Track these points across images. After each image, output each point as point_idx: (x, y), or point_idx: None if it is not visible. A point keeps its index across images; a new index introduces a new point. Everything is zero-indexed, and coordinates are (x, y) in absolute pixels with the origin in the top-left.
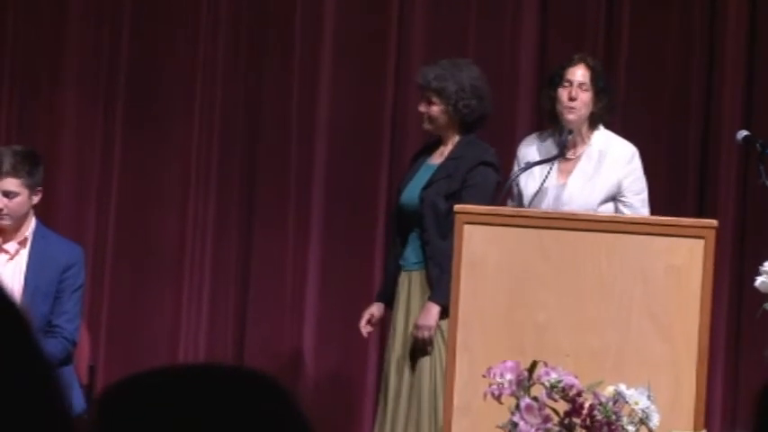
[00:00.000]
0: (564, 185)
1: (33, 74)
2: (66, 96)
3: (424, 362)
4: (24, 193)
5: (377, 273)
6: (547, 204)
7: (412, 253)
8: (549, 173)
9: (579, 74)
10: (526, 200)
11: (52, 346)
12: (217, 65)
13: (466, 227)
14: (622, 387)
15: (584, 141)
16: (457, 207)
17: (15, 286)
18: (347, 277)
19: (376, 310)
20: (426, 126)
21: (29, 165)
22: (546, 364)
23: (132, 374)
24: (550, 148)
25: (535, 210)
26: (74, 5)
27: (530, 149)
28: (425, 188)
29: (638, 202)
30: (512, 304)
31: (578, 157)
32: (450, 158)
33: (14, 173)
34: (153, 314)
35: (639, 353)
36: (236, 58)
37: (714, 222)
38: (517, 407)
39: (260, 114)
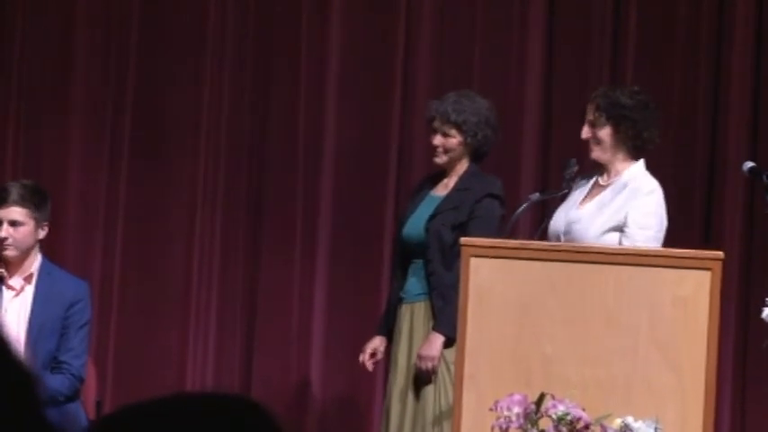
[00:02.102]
0: (579, 209)
1: (39, 105)
2: (73, 128)
3: (428, 392)
4: (30, 224)
5: (383, 302)
6: (558, 225)
7: (416, 284)
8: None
9: (589, 111)
10: (552, 221)
11: (59, 383)
12: (223, 95)
13: (472, 259)
14: (630, 419)
15: (617, 172)
16: (463, 240)
17: (21, 323)
18: (354, 306)
19: (379, 343)
20: (440, 159)
21: (36, 198)
22: (553, 397)
23: (124, 406)
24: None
25: (541, 242)
26: (80, 36)
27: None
28: (431, 219)
29: (639, 236)
30: (519, 336)
31: (606, 186)
32: (456, 189)
33: (21, 202)
34: (160, 347)
35: (647, 384)
36: (242, 88)
37: (720, 254)
38: None
39: (266, 144)
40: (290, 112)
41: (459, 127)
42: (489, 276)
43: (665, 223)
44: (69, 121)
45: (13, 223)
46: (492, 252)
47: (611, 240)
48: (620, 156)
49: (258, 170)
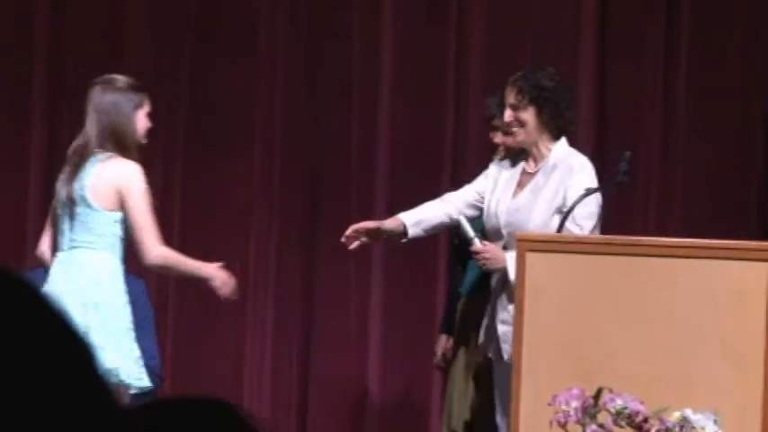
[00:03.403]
0: (516, 199)
1: None
2: None
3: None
4: None
5: (440, 301)
6: (494, 218)
7: (474, 280)
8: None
9: (510, 95)
10: (486, 216)
11: None
12: (276, 95)
13: (528, 254)
14: (689, 412)
15: (542, 156)
16: (519, 235)
17: None
18: (411, 305)
19: (446, 341)
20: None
21: None
22: (611, 391)
23: None
24: (507, 168)
25: (598, 236)
26: (131, 35)
27: (494, 169)
28: None
29: (586, 223)
30: (576, 331)
31: (534, 173)
32: None
33: None
34: (217, 347)
35: (705, 378)
36: (296, 88)
37: None
38: None
39: (320, 146)
40: (343, 111)
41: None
42: (545, 271)
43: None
44: None
45: None
46: (548, 246)
47: (556, 224)
48: (544, 137)
49: (313, 170)
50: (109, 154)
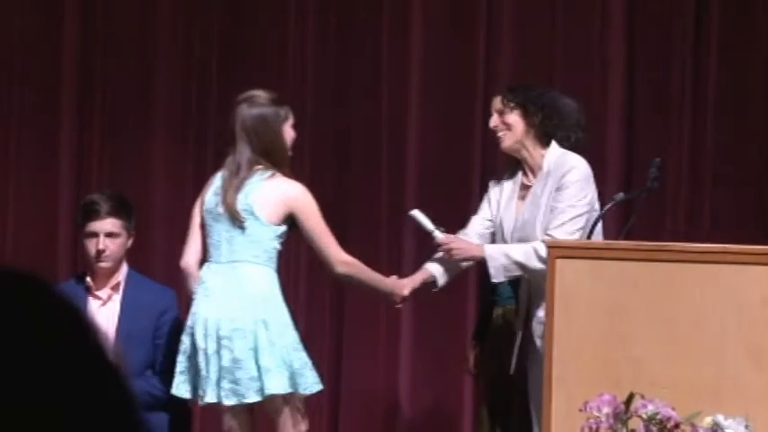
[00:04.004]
0: (519, 215)
1: (124, 121)
2: (157, 143)
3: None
4: (123, 235)
5: (470, 311)
6: (506, 238)
7: (506, 287)
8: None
9: (496, 102)
10: (499, 232)
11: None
12: (305, 107)
13: (558, 261)
14: (720, 418)
15: (537, 164)
16: (548, 241)
17: (108, 332)
18: (441, 318)
19: (478, 350)
20: None
21: (126, 208)
22: (643, 397)
23: None
24: (506, 183)
25: (627, 242)
26: (163, 50)
27: (493, 190)
28: None
29: (565, 209)
30: (606, 337)
31: (533, 184)
32: None
33: (115, 214)
34: None
35: (736, 384)
36: (324, 96)
37: None
38: None
39: (349, 153)
40: (372, 121)
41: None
42: (575, 277)
43: (588, 192)
44: (153, 135)
45: (109, 235)
46: (577, 253)
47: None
48: (534, 142)
49: (341, 179)
50: (270, 172)
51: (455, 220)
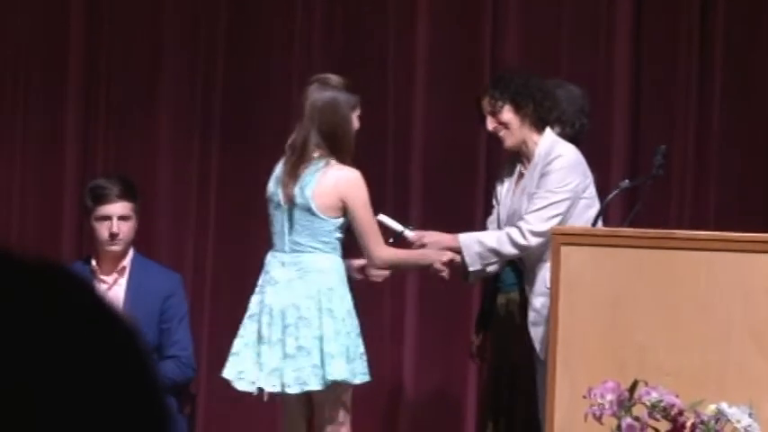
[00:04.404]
0: (511, 205)
1: (128, 104)
2: (162, 125)
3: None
4: (134, 217)
5: (475, 297)
6: (504, 225)
7: (510, 274)
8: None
9: (485, 105)
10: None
11: (170, 369)
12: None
13: (563, 248)
14: (724, 405)
15: (531, 153)
16: (554, 228)
17: None
18: (446, 299)
19: (483, 337)
20: None
21: (133, 190)
22: (646, 384)
23: None
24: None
25: (632, 229)
26: (168, 33)
27: (498, 186)
28: None
29: (544, 195)
30: (611, 324)
31: (526, 171)
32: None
33: (126, 196)
34: None
35: (740, 371)
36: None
37: None
38: (618, 427)
39: (355, 144)
40: (378, 114)
41: (558, 118)
42: (580, 264)
43: (572, 180)
44: (158, 122)
45: (121, 217)
46: (582, 240)
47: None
48: (530, 132)
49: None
50: (326, 160)
51: (460, 212)
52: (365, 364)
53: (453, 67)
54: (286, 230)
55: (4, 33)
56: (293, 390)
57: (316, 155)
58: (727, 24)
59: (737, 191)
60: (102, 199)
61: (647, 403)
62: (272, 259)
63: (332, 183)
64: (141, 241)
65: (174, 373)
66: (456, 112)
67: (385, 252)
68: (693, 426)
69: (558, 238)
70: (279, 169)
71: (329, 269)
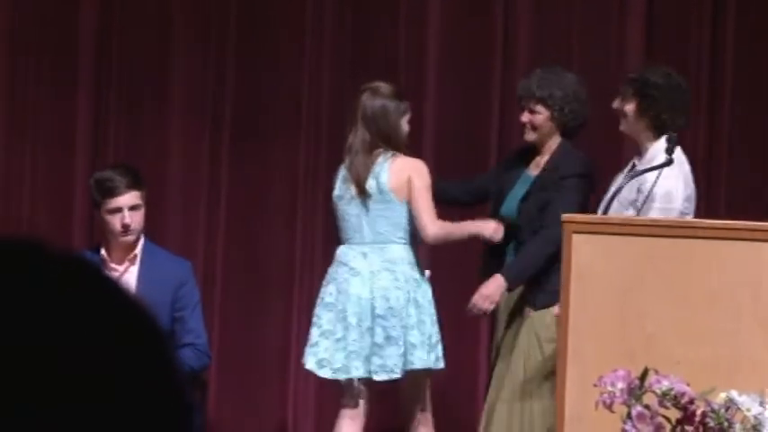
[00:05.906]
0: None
1: (140, 94)
2: (173, 115)
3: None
4: (143, 206)
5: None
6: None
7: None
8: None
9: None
10: None
11: (187, 356)
12: (323, 80)
13: (574, 236)
14: (734, 394)
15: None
16: (565, 216)
17: None
18: (455, 285)
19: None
20: (530, 136)
21: (140, 178)
22: (657, 372)
23: None
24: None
25: (643, 218)
26: (179, 23)
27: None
28: (523, 200)
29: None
30: (621, 313)
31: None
32: (546, 169)
33: (135, 186)
34: (264, 328)
35: (750, 361)
36: (342, 68)
37: None
38: (629, 415)
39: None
40: None
41: (544, 102)
42: (591, 253)
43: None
44: (169, 109)
45: (132, 208)
46: (594, 228)
47: None
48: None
49: None
50: (391, 152)
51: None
52: (441, 351)
53: (465, 51)
54: (364, 222)
55: (16, 25)
56: (380, 377)
57: (380, 150)
58: (739, 12)
59: (748, 179)
60: (111, 192)
61: (658, 392)
62: (348, 251)
63: (400, 167)
64: (152, 231)
65: (192, 360)
66: (467, 111)
67: (437, 224)
68: (704, 414)
69: (570, 227)
70: (343, 171)
71: (413, 260)
